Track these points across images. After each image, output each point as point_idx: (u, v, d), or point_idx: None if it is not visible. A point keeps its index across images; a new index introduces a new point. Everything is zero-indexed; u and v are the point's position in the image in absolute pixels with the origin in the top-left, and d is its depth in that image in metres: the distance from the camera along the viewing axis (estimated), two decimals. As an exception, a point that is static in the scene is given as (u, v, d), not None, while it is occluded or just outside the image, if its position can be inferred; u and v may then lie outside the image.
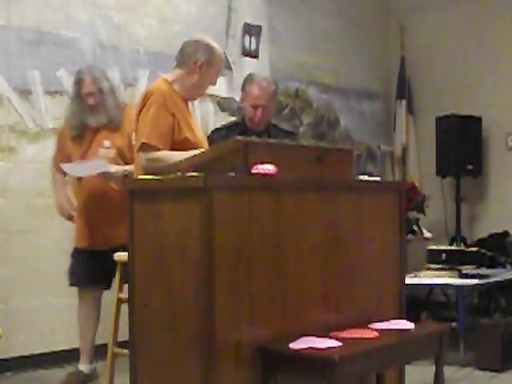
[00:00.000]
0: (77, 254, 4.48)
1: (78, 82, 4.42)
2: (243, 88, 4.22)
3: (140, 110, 3.57)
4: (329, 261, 3.14)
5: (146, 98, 3.55)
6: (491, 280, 5.40)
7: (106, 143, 4.41)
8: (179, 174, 2.85)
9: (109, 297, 4.25)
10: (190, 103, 3.81)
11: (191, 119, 3.71)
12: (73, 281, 4.47)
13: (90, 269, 4.41)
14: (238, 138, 3.04)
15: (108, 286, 4.39)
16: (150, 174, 3.11)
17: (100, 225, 4.39)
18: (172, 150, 3.49)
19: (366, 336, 3.00)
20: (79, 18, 5.23)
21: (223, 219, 2.71)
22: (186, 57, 3.68)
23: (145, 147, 3.48)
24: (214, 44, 3.72)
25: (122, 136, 4.43)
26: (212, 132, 4.41)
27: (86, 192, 4.41)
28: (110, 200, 4.32)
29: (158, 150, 3.46)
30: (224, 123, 4.57)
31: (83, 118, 4.41)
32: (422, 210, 6.54)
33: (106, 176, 4.25)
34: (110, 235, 4.30)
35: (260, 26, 6.43)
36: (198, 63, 3.64)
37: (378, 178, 4.11)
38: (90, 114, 4.40)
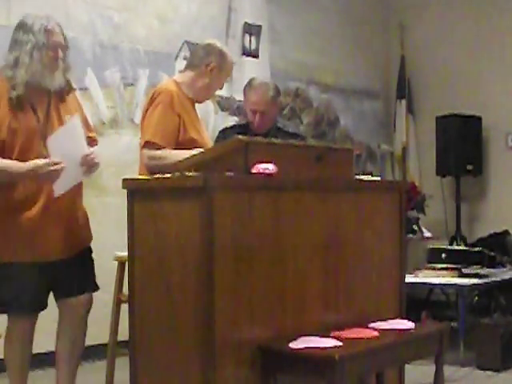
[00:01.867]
0: (14, 270, 3.28)
1: (47, 30, 3.34)
2: (244, 92, 4.23)
3: (146, 110, 3.59)
4: (328, 260, 3.14)
5: (152, 98, 3.58)
6: (491, 280, 5.40)
7: (68, 118, 3.39)
8: (178, 173, 2.85)
9: (109, 297, 4.25)
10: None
11: (197, 121, 3.73)
12: (11, 306, 3.32)
13: (34, 288, 3.33)
14: (239, 137, 3.05)
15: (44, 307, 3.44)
16: (153, 173, 3.12)
17: (54, 231, 3.32)
18: (177, 149, 3.51)
19: (366, 336, 3.00)
20: (79, 18, 5.23)
21: (223, 219, 2.71)
22: (198, 60, 3.71)
23: (148, 145, 3.51)
24: (226, 49, 3.76)
25: (71, 108, 3.47)
26: (219, 132, 4.44)
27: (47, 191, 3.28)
28: (70, 199, 3.37)
29: (162, 148, 3.48)
30: (233, 124, 4.56)
31: (40, 78, 3.33)
32: (421, 210, 6.55)
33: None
34: (67, 243, 3.37)
35: (260, 26, 6.44)
36: (210, 67, 3.66)
37: (378, 178, 4.11)
38: (52, 72, 3.36)
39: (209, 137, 3.92)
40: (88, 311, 3.53)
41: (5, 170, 3.19)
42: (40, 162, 3.18)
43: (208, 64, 3.67)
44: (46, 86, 3.35)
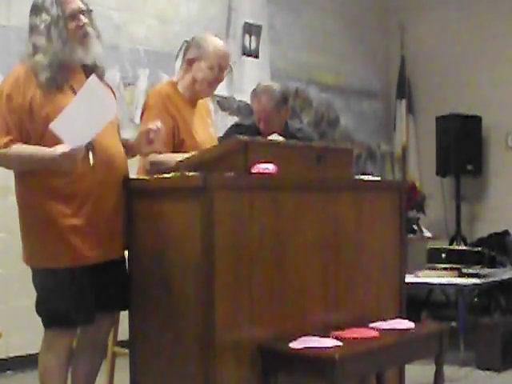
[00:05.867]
0: (75, 274, 2.89)
1: (58, 2, 2.95)
2: (250, 98, 4.25)
3: (142, 113, 3.60)
4: (329, 260, 3.14)
5: (146, 102, 3.58)
6: (491, 279, 5.39)
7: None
8: (178, 173, 2.84)
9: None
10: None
11: (196, 121, 3.65)
12: (75, 318, 2.92)
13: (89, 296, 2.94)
14: (238, 137, 3.05)
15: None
16: (153, 173, 3.11)
17: (111, 225, 2.96)
18: (174, 152, 3.49)
19: (367, 336, 3.00)
20: (79, 18, 5.23)
21: (223, 219, 2.71)
22: (184, 57, 3.70)
23: None
24: (209, 38, 3.62)
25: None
26: (232, 126, 4.45)
27: (101, 175, 2.92)
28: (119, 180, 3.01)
29: (160, 153, 3.46)
30: (250, 122, 4.48)
31: (70, 53, 2.97)
32: (422, 210, 6.54)
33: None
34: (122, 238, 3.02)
35: (260, 26, 6.43)
36: (189, 60, 3.63)
37: (378, 178, 4.10)
38: (82, 43, 3.03)
39: (209, 136, 3.87)
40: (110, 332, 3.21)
41: (35, 156, 2.81)
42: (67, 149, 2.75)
43: (187, 58, 3.65)
44: (81, 60, 3.01)
